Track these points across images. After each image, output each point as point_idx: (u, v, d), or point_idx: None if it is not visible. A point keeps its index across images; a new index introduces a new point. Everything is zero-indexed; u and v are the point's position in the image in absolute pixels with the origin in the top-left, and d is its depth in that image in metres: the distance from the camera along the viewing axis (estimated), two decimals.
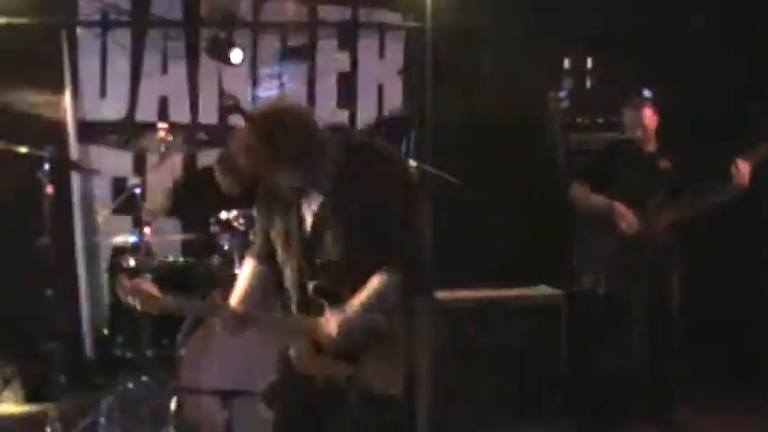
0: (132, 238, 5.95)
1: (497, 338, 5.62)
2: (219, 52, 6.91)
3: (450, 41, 7.31)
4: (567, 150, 7.04)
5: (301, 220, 3.76)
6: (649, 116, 6.14)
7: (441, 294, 5.83)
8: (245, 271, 3.96)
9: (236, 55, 6.90)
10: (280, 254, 3.83)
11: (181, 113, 7.19)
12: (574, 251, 6.30)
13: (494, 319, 5.66)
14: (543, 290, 5.94)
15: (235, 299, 3.85)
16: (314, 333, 3.69)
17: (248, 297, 3.86)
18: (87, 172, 6.83)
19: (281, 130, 3.52)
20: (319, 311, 3.70)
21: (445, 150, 7.02)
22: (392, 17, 7.58)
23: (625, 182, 6.13)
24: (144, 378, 5.48)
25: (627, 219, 5.97)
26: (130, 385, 5.48)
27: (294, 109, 3.70)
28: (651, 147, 6.19)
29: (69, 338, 6.61)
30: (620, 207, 6.01)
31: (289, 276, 3.82)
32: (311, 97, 7.46)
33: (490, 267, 6.81)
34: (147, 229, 5.87)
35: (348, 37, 7.52)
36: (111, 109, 7.11)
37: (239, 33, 7.19)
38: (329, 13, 7.47)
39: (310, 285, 3.74)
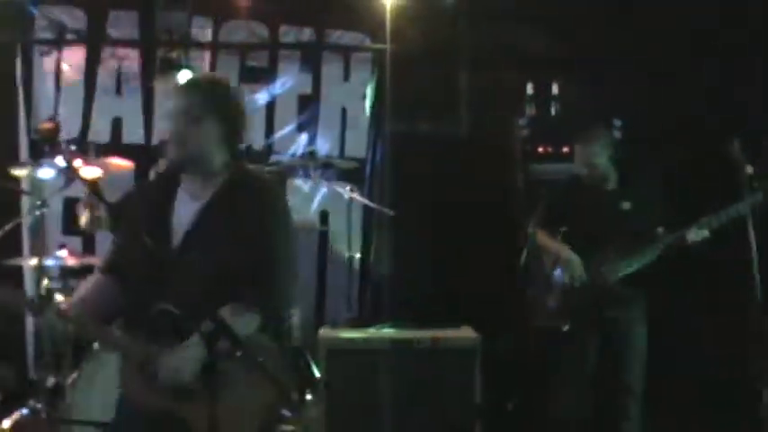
0: (50, 261, 5.81)
1: (404, 380, 5.31)
2: (169, 72, 6.78)
3: (414, 64, 7.06)
4: (527, 181, 6.70)
5: (168, 234, 3.55)
6: (598, 153, 5.71)
7: (349, 334, 5.58)
8: (89, 280, 3.76)
9: (184, 76, 6.76)
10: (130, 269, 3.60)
11: (134, 134, 7.07)
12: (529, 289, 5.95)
13: (403, 359, 5.35)
14: (463, 332, 5.60)
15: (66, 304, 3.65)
16: (147, 361, 3.44)
17: (80, 303, 3.63)
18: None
19: (220, 85, 3.61)
20: (160, 337, 3.44)
21: (404, 180, 6.83)
22: (361, 39, 7.35)
23: (581, 222, 5.72)
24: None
25: (571, 269, 5.59)
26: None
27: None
28: (611, 185, 5.79)
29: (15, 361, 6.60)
30: (566, 257, 5.62)
31: (134, 294, 3.58)
32: (270, 119, 7.26)
33: (431, 305, 6.59)
34: (64, 252, 5.74)
35: (311, 59, 7.31)
36: (64, 129, 7.01)
37: (197, 54, 7.06)
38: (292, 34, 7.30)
39: (158, 307, 3.45)
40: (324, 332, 5.60)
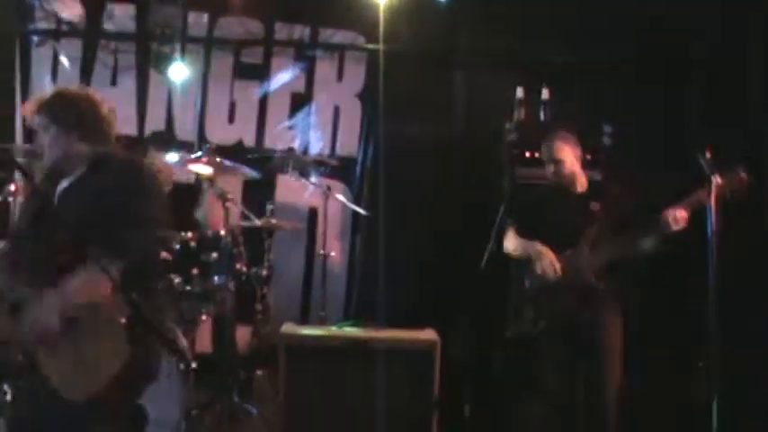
0: None
1: (361, 379, 5.29)
2: (160, 66, 6.85)
3: (408, 66, 7.05)
4: (513, 185, 6.66)
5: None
6: (564, 151, 5.68)
7: (308, 331, 5.59)
8: None
9: (176, 69, 6.84)
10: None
11: (128, 126, 7.14)
12: (509, 292, 5.93)
13: (359, 359, 5.33)
14: (423, 334, 5.57)
15: None
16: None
17: None
18: None
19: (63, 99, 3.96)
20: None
21: (393, 180, 6.84)
22: (356, 39, 7.35)
23: (554, 224, 5.71)
24: None
25: (544, 263, 5.56)
26: None
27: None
28: (580, 188, 5.76)
29: None
30: (539, 250, 5.59)
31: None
32: (262, 116, 7.30)
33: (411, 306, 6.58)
34: None
35: (305, 57, 7.33)
36: None
37: (192, 49, 7.11)
38: (286, 31, 7.32)
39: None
40: (284, 328, 5.61)
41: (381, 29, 6.81)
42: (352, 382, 5.31)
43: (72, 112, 3.94)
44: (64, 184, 3.98)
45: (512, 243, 5.78)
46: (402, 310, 6.44)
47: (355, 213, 7.08)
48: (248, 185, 7.10)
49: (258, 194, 6.98)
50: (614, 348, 5.55)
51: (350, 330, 5.66)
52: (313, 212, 7.31)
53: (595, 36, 6.89)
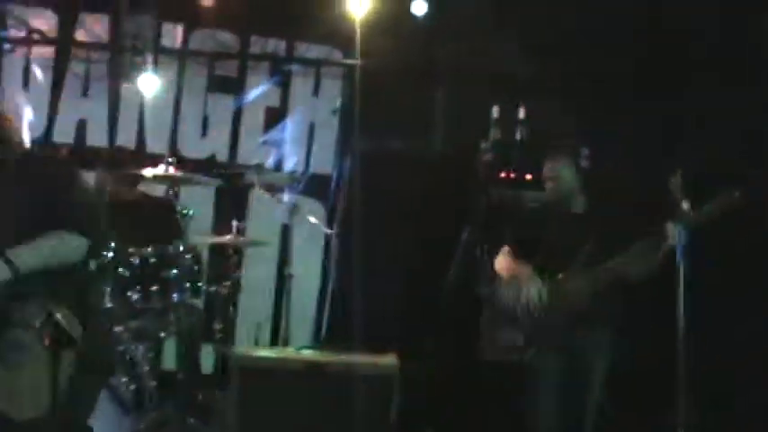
0: None
1: (315, 403, 5.13)
2: (128, 77, 6.74)
3: (384, 80, 6.92)
4: (488, 206, 6.50)
5: None
6: (564, 168, 5.50)
7: (262, 353, 5.45)
8: None
9: (148, 81, 6.73)
10: None
11: (98, 137, 7.02)
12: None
13: (314, 383, 5.18)
14: (383, 358, 5.41)
15: None
16: None
17: None
18: None
19: None
20: None
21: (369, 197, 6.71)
22: (333, 54, 7.22)
23: (548, 245, 5.52)
24: None
25: (529, 288, 5.39)
26: None
27: None
28: (578, 208, 5.60)
29: None
30: (522, 275, 5.43)
31: None
32: (236, 131, 7.18)
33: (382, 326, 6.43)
34: None
35: (280, 71, 7.21)
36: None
37: (165, 60, 7.00)
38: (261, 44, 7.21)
39: None
40: (238, 350, 5.48)
41: (358, 43, 6.71)
42: (306, 406, 5.14)
43: None
44: None
45: (502, 263, 5.61)
46: (374, 332, 6.33)
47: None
48: (220, 200, 6.99)
49: (230, 210, 6.84)
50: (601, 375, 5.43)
51: (306, 353, 5.50)
52: (286, 229, 7.16)
53: (579, 50, 6.75)
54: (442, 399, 6.25)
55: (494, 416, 6.05)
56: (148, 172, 5.93)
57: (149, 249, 5.71)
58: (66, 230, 3.68)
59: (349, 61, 7.03)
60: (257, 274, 7.01)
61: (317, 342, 6.94)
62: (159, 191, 6.60)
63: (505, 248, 5.62)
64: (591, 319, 5.36)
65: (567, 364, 5.38)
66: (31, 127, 6.92)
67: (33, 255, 3.63)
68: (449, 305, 5.92)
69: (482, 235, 6.14)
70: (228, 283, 6.19)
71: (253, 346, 6.49)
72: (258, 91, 7.17)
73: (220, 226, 6.49)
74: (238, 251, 6.46)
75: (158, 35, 6.95)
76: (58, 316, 3.29)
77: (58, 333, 3.29)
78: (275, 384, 5.18)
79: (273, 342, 6.84)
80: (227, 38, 7.16)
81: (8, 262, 3.55)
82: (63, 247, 3.69)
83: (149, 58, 6.84)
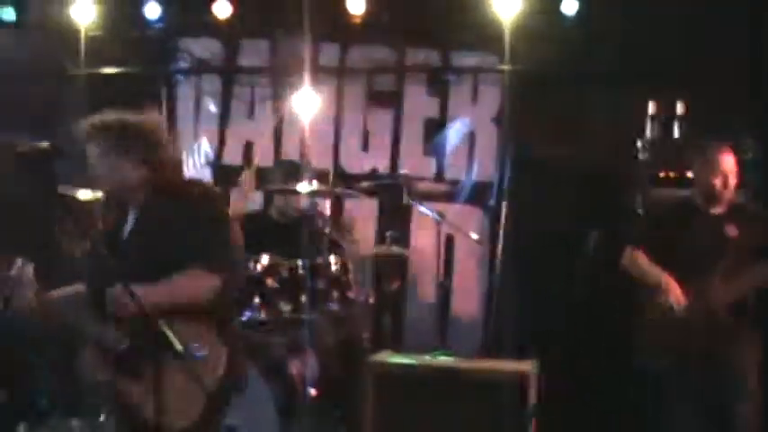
0: None
1: (447, 410, 5.09)
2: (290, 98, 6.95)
3: (538, 85, 6.83)
4: (648, 206, 6.27)
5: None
6: (728, 166, 5.29)
7: (396, 359, 5.44)
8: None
9: (306, 100, 6.91)
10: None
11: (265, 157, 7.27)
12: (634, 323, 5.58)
13: (445, 389, 5.14)
14: (519, 365, 5.30)
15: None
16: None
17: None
18: None
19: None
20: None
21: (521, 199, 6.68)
22: (488, 60, 7.17)
23: (684, 249, 5.33)
24: None
25: (673, 295, 5.19)
26: None
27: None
28: (719, 209, 5.35)
29: None
30: (667, 280, 5.24)
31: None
32: (396, 144, 7.25)
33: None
34: None
35: (438, 81, 7.22)
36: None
37: (324, 79, 7.17)
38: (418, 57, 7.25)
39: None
40: (375, 357, 5.51)
41: (507, 48, 6.68)
42: (441, 413, 5.12)
43: (131, 138, 3.88)
44: (133, 214, 3.96)
45: (640, 267, 5.43)
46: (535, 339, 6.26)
47: (493, 241, 6.91)
48: (382, 212, 7.13)
49: (392, 221, 6.96)
50: (753, 392, 5.15)
51: (441, 360, 5.47)
52: (450, 240, 7.15)
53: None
54: (581, 408, 6.06)
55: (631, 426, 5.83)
56: (308, 187, 6.07)
57: (299, 261, 5.84)
58: (198, 268, 3.71)
59: (504, 67, 6.95)
60: (419, 282, 7.05)
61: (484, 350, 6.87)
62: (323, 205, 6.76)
63: (637, 251, 5.42)
64: (730, 332, 5.15)
65: (707, 379, 5.16)
66: (207, 158, 7.34)
67: (158, 292, 3.65)
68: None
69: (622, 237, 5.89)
70: (391, 292, 6.26)
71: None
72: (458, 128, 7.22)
73: (383, 237, 6.56)
74: (401, 261, 6.53)
75: (316, 55, 7.11)
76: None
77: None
78: (409, 391, 5.19)
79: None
80: (384, 52, 7.25)
81: (132, 295, 3.50)
82: (192, 284, 3.72)
83: (309, 78, 7.02)
